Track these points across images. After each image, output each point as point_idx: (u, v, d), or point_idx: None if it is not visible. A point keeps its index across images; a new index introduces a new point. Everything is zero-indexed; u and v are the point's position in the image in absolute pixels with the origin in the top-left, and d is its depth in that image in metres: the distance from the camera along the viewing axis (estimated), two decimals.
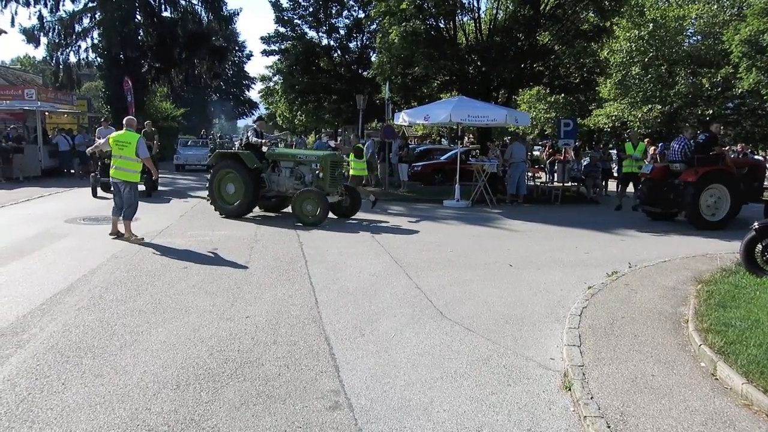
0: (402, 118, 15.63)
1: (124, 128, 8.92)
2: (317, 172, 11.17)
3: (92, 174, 14.25)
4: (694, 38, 29.87)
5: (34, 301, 5.64)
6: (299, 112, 33.93)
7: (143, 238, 8.79)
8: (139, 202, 9.17)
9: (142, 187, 14.12)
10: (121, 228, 8.87)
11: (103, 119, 20.17)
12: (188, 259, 7.62)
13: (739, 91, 24.46)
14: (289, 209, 12.19)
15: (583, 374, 4.05)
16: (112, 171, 8.82)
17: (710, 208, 11.38)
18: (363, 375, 4.12)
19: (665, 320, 5.30)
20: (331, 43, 32.40)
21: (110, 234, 8.82)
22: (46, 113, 23.22)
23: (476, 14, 19.99)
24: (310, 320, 5.26)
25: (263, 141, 11.68)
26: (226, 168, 11.31)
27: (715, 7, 27.56)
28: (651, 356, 4.43)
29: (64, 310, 5.39)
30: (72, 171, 20.52)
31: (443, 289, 6.41)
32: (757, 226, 6.75)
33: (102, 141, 14.80)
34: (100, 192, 13.95)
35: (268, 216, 11.88)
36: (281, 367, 4.21)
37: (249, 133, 12.01)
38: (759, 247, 6.74)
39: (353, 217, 11.83)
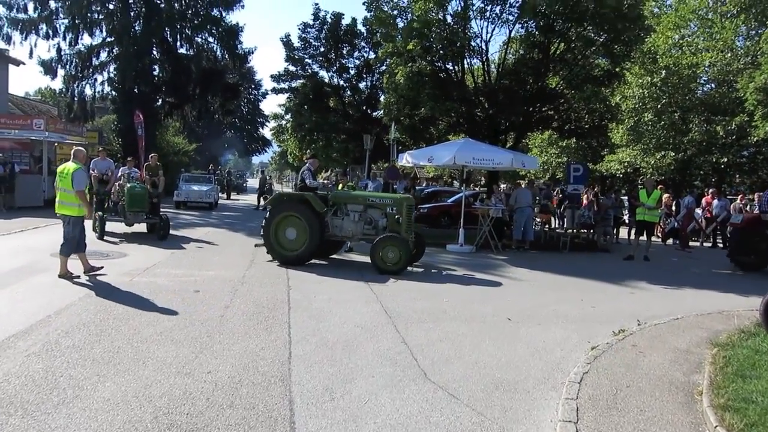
0: (405, 159, 15.24)
1: (71, 159, 8.54)
2: (396, 216, 10.60)
3: (97, 213, 12.60)
4: (707, 86, 29.56)
5: None
6: (308, 150, 33.84)
7: (79, 276, 8.22)
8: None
9: (141, 228, 13.72)
10: (93, 263, 8.46)
11: (100, 149, 18.67)
12: (165, 301, 7.15)
13: (755, 139, 23.92)
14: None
15: None
16: (56, 205, 8.42)
17: None
18: None
19: (676, 391, 4.71)
20: (341, 82, 32.50)
21: (84, 273, 8.36)
22: (56, 144, 23.23)
23: (484, 57, 19.84)
24: (277, 378, 4.73)
25: (325, 182, 11.12)
26: (286, 212, 10.57)
27: (729, 55, 27.28)
28: None
29: (12, 356, 4.92)
30: None
31: (432, 346, 5.85)
32: None
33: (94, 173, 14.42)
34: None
35: (258, 256, 11.18)
36: None
37: (305, 174, 11.01)
38: None
39: (352, 260, 11.35)
